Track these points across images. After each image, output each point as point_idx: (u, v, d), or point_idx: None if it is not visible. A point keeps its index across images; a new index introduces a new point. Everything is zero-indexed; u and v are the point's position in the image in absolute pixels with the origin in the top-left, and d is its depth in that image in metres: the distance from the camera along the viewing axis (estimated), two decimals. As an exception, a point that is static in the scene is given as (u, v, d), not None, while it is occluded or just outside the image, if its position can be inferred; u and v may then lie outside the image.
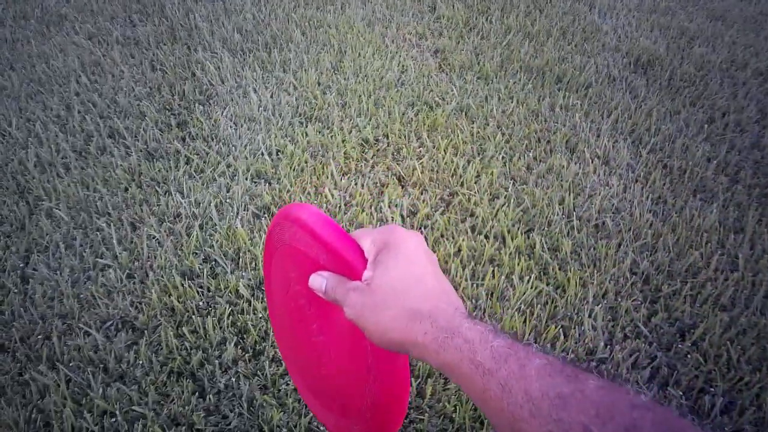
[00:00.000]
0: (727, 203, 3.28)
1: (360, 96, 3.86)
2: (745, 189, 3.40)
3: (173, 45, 4.34)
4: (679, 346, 2.41)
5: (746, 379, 2.30)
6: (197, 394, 2.01)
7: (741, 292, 2.70)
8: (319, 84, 3.99)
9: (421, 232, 2.81)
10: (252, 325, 2.26)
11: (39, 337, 2.19)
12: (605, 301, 2.56)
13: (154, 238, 2.66)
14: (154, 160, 3.16)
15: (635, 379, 2.23)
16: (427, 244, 2.53)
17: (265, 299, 2.35)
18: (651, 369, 2.30)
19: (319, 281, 0.75)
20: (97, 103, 3.58)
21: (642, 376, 2.26)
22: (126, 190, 2.94)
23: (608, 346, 2.36)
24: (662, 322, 2.50)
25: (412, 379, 2.13)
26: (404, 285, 0.67)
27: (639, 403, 0.51)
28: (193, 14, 4.80)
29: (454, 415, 2.02)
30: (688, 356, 2.37)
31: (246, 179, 3.05)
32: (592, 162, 3.45)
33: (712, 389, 2.26)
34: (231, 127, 3.44)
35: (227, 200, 2.91)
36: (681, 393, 2.23)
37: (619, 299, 2.58)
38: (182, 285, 2.40)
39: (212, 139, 3.33)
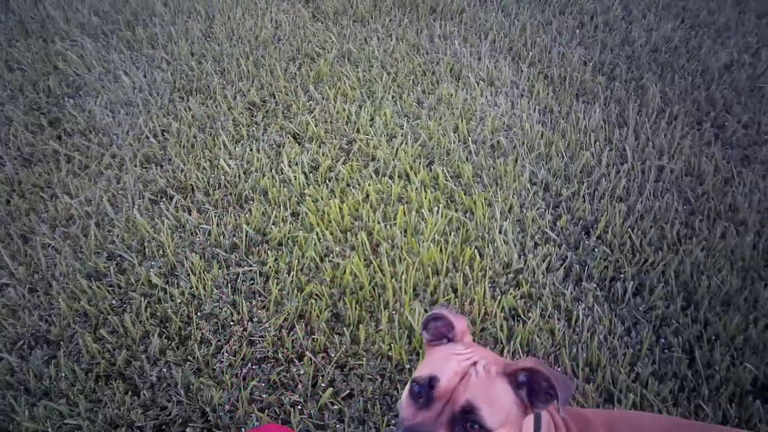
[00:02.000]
0: (608, 101, 3.44)
1: (237, 59, 3.74)
2: (623, 84, 3.57)
3: (27, 40, 4.03)
4: (586, 242, 2.55)
5: (651, 260, 2.47)
6: (130, 392, 1.96)
7: (633, 182, 2.87)
8: (192, 54, 3.83)
9: (327, 186, 2.80)
10: (172, 312, 2.21)
11: (-55, 373, 2.05)
12: (512, 216, 2.66)
13: (49, 246, 2.52)
14: (32, 165, 2.96)
15: (551, 282, 2.35)
16: (335, 195, 2.51)
17: (182, 285, 2.30)
18: (564, 269, 2.43)
19: None
20: (-46, 116, 3.30)
21: (557, 277, 2.39)
22: (8, 202, 2.75)
23: (522, 257, 2.46)
24: (567, 223, 2.63)
25: (344, 328, 2.16)
26: None
27: None
28: (42, 3, 4.45)
29: (390, 353, 2.07)
30: (596, 250, 2.51)
31: (135, 166, 2.92)
32: (478, 85, 3.51)
33: (622, 276, 2.42)
34: (108, 115, 3.26)
35: (120, 192, 2.78)
36: (595, 285, 2.37)
37: (525, 211, 2.68)
38: (90, 288, 2.30)
39: (90, 132, 3.15)
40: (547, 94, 3.47)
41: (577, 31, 4.13)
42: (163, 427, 1.88)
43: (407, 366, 2.04)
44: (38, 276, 2.38)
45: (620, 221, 2.62)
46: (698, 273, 2.41)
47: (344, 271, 2.34)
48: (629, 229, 2.59)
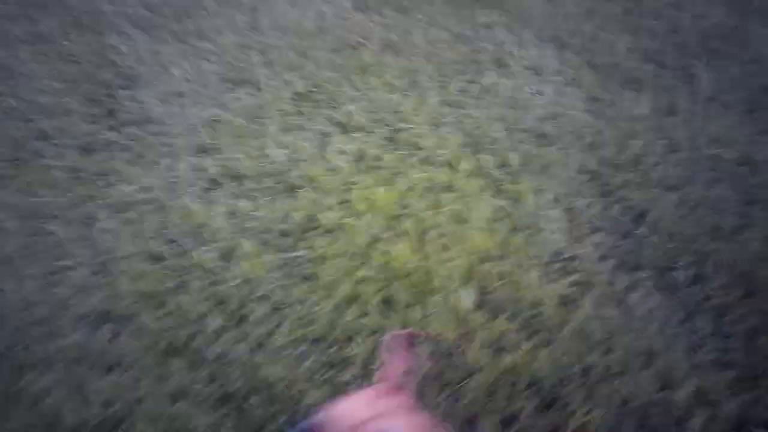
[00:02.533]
0: (657, 89, 3.39)
1: (283, 50, 3.80)
2: (672, 73, 3.52)
3: (82, 34, 4.15)
4: (638, 231, 2.53)
5: (706, 249, 2.43)
6: (191, 368, 2.04)
7: (685, 171, 2.83)
8: (239, 46, 3.90)
9: (373, 174, 2.84)
10: (228, 294, 2.28)
11: (19, 348, 2.16)
12: (561, 204, 2.66)
13: (109, 231, 2.62)
14: (91, 154, 3.07)
15: (603, 270, 2.35)
16: (381, 184, 2.54)
17: (236, 269, 2.37)
18: (616, 258, 2.42)
19: None
20: (16, 106, 3.43)
21: (609, 265, 2.38)
22: (69, 189, 2.86)
23: (572, 245, 2.46)
24: (618, 213, 2.62)
25: (393, 312, 2.20)
26: None
27: None
28: (94, -2, 4.58)
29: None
30: (648, 239, 2.49)
31: (188, 155, 3.01)
32: (522, 74, 3.50)
33: (677, 265, 2.39)
34: (160, 106, 3.36)
35: (174, 180, 2.87)
36: (648, 274, 2.35)
37: (573, 199, 2.68)
38: (149, 271, 2.39)
39: (145, 122, 3.25)
40: (594, 82, 3.44)
41: (624, 18, 4.07)
42: (223, 399, 1.96)
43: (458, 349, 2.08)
44: (99, 259, 2.49)
45: (673, 210, 2.59)
46: (757, 262, 2.37)
47: (393, 257, 2.38)
48: (682, 219, 2.56)
